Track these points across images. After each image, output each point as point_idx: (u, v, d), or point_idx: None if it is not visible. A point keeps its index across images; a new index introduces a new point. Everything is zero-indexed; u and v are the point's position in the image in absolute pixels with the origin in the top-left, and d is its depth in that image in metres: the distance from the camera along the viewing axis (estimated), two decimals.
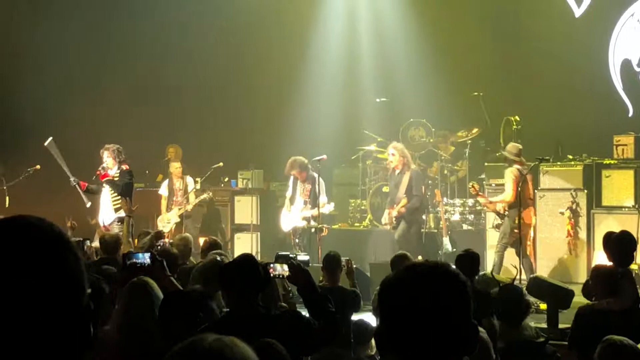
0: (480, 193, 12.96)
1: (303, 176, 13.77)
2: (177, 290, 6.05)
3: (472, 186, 12.79)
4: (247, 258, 5.41)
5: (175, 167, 15.45)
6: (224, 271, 5.30)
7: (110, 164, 12.93)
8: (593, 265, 12.80)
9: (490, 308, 6.35)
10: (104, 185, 12.94)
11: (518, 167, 12.39)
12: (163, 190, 15.49)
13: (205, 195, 15.32)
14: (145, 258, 6.53)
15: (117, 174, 12.89)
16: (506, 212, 12.48)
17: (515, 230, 12.17)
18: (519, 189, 12.11)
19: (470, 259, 7.72)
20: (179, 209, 15.10)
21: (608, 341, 5.01)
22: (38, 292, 1.70)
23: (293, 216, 14.02)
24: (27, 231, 1.75)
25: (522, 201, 12.13)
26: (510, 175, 12.38)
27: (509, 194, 12.32)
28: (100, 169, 12.99)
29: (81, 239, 10.00)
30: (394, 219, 13.55)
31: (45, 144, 13.22)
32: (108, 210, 12.93)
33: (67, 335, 1.74)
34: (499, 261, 12.38)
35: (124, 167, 12.95)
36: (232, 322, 4.93)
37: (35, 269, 1.70)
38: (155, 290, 5.45)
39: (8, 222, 1.78)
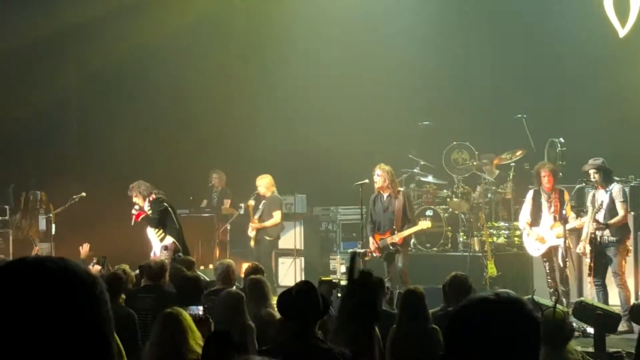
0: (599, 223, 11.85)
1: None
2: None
3: None
4: (306, 286, 5.32)
5: None
6: (282, 299, 5.24)
7: (140, 202, 13.20)
8: None
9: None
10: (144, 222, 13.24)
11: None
12: None
13: None
14: (198, 309, 6.64)
15: (150, 208, 13.14)
16: (610, 237, 11.74)
17: (628, 255, 11.83)
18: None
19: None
20: None
21: None
22: (68, 338, 1.68)
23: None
24: (62, 277, 1.72)
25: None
26: (622, 193, 11.85)
27: (623, 215, 11.75)
28: (133, 210, 13.22)
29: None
30: (390, 245, 12.84)
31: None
32: (155, 243, 13.13)
33: None
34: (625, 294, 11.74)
35: (151, 198, 13.18)
36: (288, 352, 4.87)
37: (68, 316, 1.69)
38: (188, 321, 5.45)
39: (43, 266, 1.74)
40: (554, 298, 11.33)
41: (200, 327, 5.88)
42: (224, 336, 5.29)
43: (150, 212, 13.09)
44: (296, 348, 4.91)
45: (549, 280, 12.46)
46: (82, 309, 1.71)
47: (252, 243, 15.14)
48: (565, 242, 12.16)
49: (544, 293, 12.09)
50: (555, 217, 12.43)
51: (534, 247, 12.70)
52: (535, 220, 12.64)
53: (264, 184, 15.03)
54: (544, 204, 12.56)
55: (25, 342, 1.65)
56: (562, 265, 12.38)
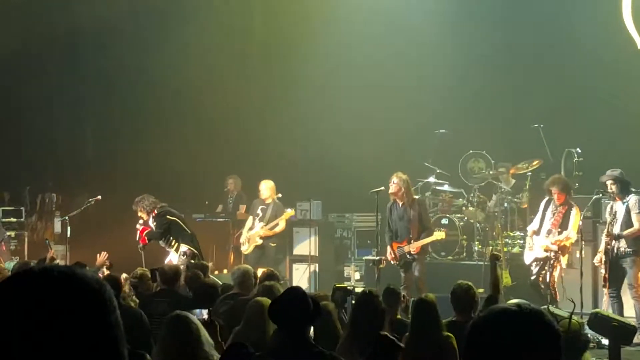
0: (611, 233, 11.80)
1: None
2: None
3: None
4: (295, 292, 5.34)
5: None
6: (273, 305, 5.26)
7: (144, 217, 13.37)
8: None
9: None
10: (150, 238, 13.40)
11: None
12: None
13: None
14: (202, 314, 6.62)
15: (154, 223, 13.32)
16: (626, 249, 11.68)
17: None
18: None
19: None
20: None
21: None
22: (76, 344, 1.70)
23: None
24: (69, 285, 1.74)
25: None
26: (639, 204, 11.64)
27: (639, 227, 11.58)
28: (138, 225, 13.40)
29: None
30: (407, 254, 12.79)
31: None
32: (172, 253, 13.20)
33: None
34: None
35: (154, 213, 13.30)
36: (280, 357, 4.90)
37: (75, 322, 1.71)
38: (196, 325, 5.43)
39: (50, 275, 1.75)
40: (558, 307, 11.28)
41: (206, 331, 5.87)
42: (240, 348, 5.29)
43: (155, 226, 13.24)
44: (288, 353, 4.92)
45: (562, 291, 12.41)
46: (90, 316, 1.72)
47: (245, 249, 15.19)
48: (560, 253, 12.16)
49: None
50: (550, 231, 12.38)
51: (526, 256, 12.83)
52: (541, 229, 12.63)
53: (269, 188, 15.10)
54: (548, 215, 12.53)
55: (33, 351, 1.67)
56: (547, 279, 12.34)
